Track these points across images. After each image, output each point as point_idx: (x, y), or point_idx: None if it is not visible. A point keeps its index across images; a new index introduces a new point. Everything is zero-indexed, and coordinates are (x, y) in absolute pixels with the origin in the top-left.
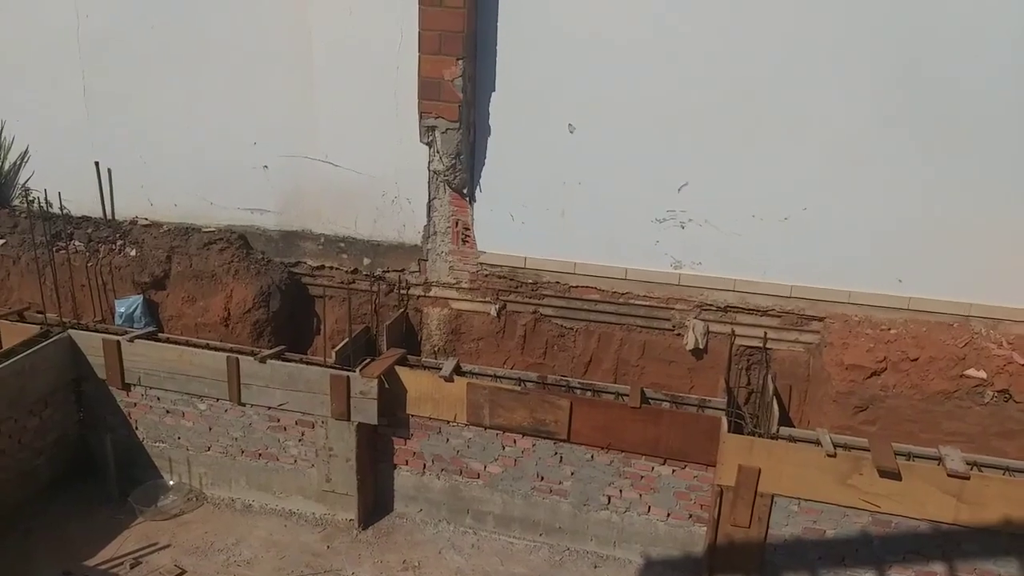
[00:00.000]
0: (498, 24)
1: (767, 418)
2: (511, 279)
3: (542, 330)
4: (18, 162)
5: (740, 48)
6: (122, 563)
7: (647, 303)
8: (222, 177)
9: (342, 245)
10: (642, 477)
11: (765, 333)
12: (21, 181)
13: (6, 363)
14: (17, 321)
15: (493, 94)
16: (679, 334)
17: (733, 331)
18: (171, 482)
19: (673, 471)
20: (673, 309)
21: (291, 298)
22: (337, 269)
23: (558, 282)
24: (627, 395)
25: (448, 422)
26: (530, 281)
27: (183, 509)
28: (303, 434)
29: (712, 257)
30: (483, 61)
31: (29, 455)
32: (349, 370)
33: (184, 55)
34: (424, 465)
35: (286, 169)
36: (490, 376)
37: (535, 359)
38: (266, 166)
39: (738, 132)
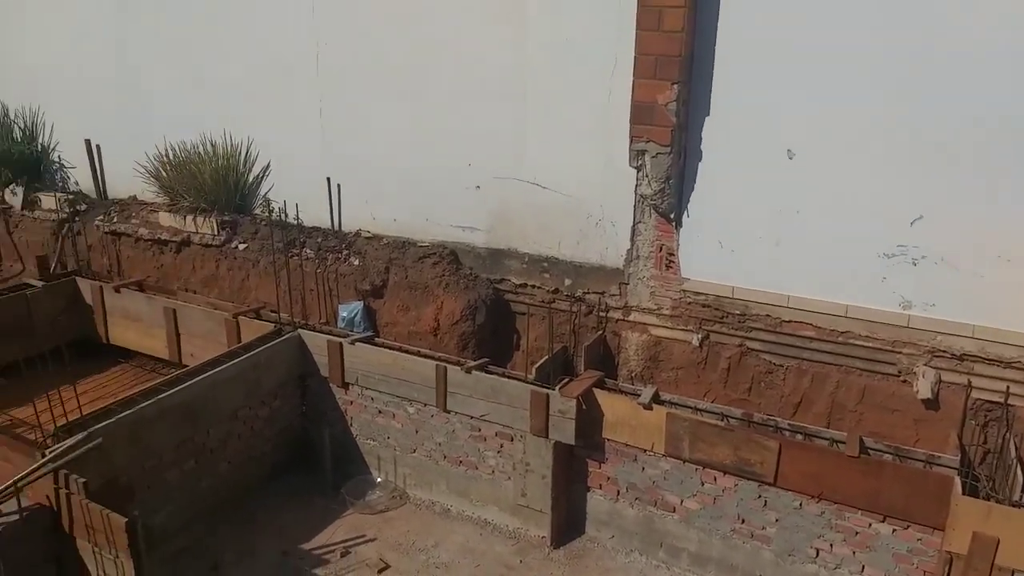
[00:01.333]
0: (716, 47)
1: (1007, 483)
2: (716, 308)
3: (748, 365)
4: (260, 175)
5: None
6: (333, 551)
7: (869, 344)
8: (438, 196)
9: (545, 265)
10: (856, 533)
11: (1008, 388)
12: (262, 192)
13: (246, 356)
14: (255, 318)
15: (707, 118)
16: (905, 381)
17: (969, 382)
18: (378, 479)
19: (893, 530)
20: (899, 353)
21: (495, 313)
22: (539, 288)
23: (768, 315)
24: (843, 442)
25: (645, 450)
26: (737, 312)
27: (388, 506)
28: (502, 446)
29: (948, 299)
30: (698, 84)
31: (259, 442)
32: (548, 388)
33: (410, 84)
34: (618, 491)
35: (496, 190)
36: (690, 408)
37: (739, 395)
38: (478, 186)
39: (986, 162)
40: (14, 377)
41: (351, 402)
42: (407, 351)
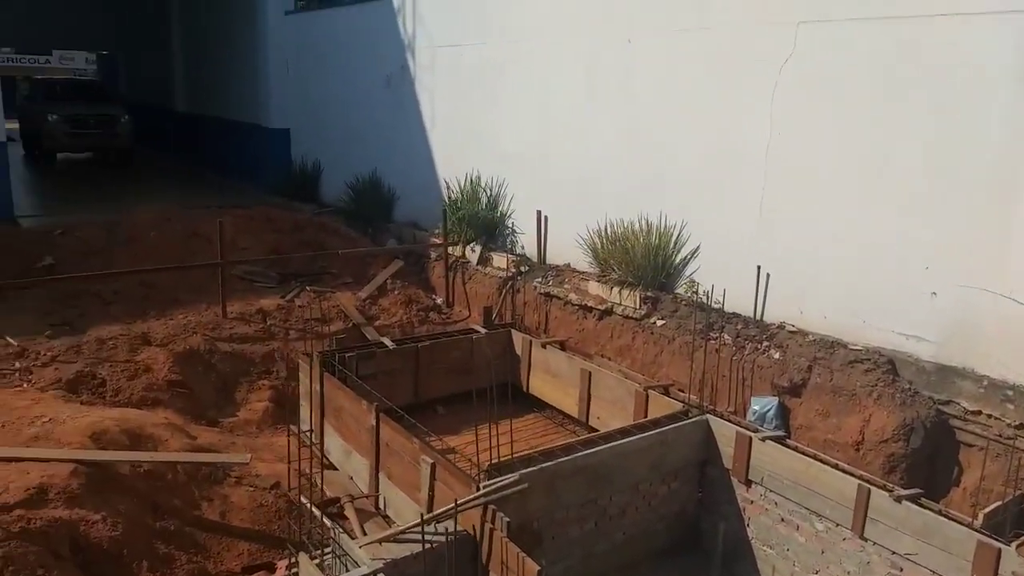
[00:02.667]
0: None
1: None
2: None
3: None
4: (688, 257)
5: None
6: None
7: None
8: (880, 298)
9: (1010, 393)
10: None
11: None
12: (687, 273)
13: (656, 431)
14: (663, 394)
15: None
16: None
17: None
18: None
19: None
20: None
21: (934, 439)
22: (998, 419)
23: None
24: None
25: None
26: None
27: None
28: None
29: None
30: None
31: (653, 519)
32: (1002, 542)
33: (857, 177)
34: None
35: (957, 299)
36: None
37: None
38: (934, 293)
39: None
40: (453, 407)
41: (752, 502)
42: (824, 461)
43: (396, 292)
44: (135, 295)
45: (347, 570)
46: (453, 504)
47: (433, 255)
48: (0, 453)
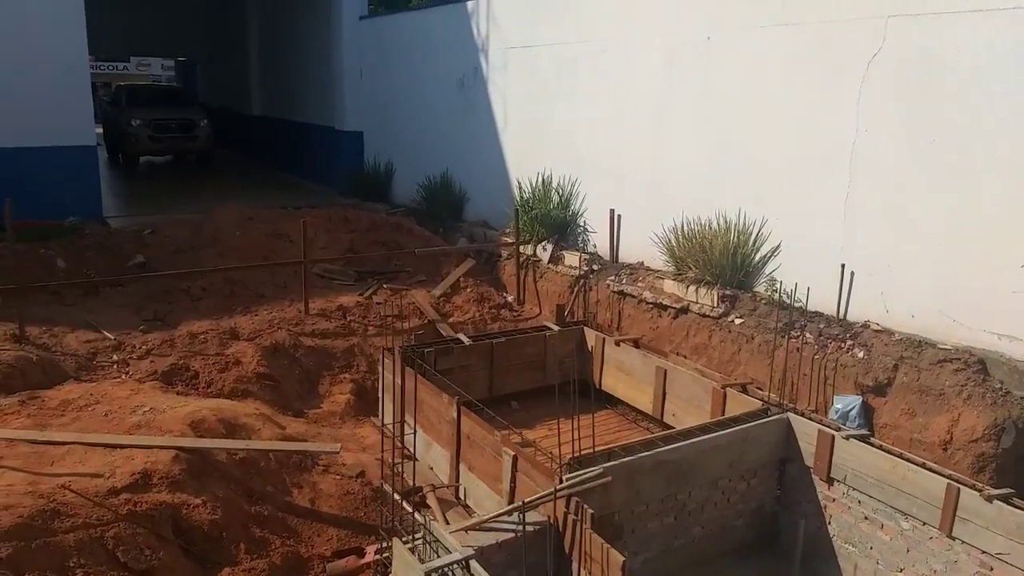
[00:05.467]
0: None
1: None
2: None
3: None
4: (768, 255)
5: None
6: None
7: None
8: (970, 297)
9: None
10: None
11: None
12: (766, 271)
13: (736, 428)
14: (741, 392)
15: None
16: None
17: None
18: None
19: None
20: None
21: None
22: None
23: None
24: None
25: None
26: None
27: None
28: None
29: None
30: None
31: (731, 515)
32: None
33: (950, 174)
34: None
35: None
36: None
37: None
38: None
39: None
40: (526, 402)
41: (833, 499)
42: (910, 460)
43: (468, 290)
44: (222, 291)
45: (437, 555)
46: (540, 493)
47: (504, 254)
48: (107, 440)
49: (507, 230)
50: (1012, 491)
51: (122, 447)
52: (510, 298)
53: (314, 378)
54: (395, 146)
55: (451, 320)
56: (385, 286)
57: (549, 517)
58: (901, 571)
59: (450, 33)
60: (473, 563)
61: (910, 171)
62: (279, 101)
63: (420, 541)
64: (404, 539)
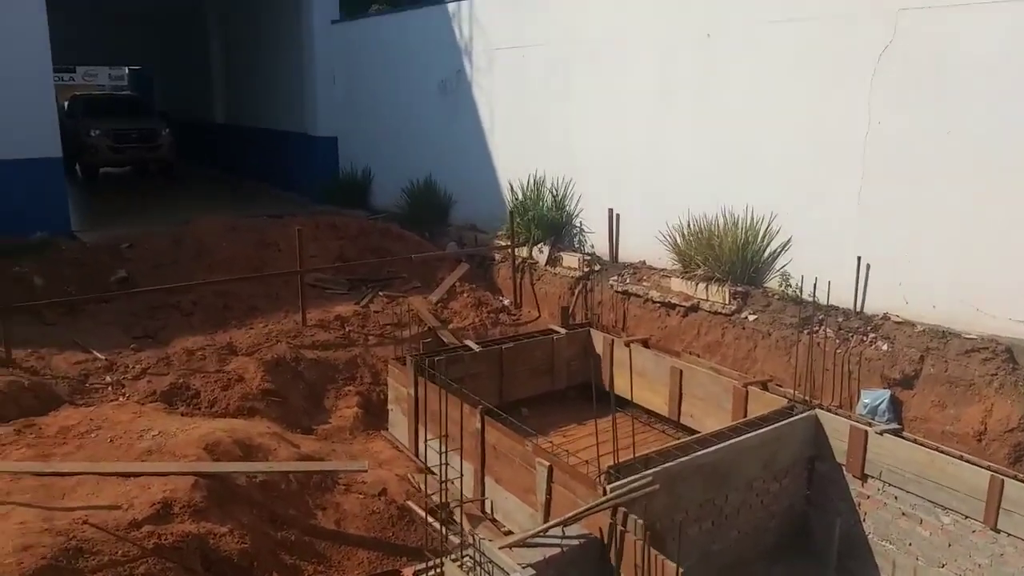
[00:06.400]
0: None
1: None
2: None
3: None
4: (779, 250)
5: None
6: None
7: None
8: (994, 285)
9: None
10: None
11: None
12: (778, 266)
13: (769, 427)
14: (762, 390)
15: None
16: None
17: None
18: None
19: None
20: None
21: None
22: None
23: None
24: None
25: None
26: None
27: None
28: None
29: None
30: None
31: (764, 516)
32: None
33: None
34: None
35: None
36: None
37: None
38: None
39: None
40: (537, 408)
41: (868, 496)
42: (948, 453)
43: (465, 295)
44: (214, 305)
45: (489, 574)
46: (588, 505)
47: (497, 257)
48: (120, 468)
49: (499, 232)
50: None
51: (137, 475)
52: (507, 302)
53: (319, 392)
54: (373, 151)
55: (451, 326)
56: (381, 294)
57: (600, 529)
58: (943, 566)
59: (430, 35)
60: None
61: (927, 162)
62: (246, 108)
63: (468, 560)
64: (454, 558)
